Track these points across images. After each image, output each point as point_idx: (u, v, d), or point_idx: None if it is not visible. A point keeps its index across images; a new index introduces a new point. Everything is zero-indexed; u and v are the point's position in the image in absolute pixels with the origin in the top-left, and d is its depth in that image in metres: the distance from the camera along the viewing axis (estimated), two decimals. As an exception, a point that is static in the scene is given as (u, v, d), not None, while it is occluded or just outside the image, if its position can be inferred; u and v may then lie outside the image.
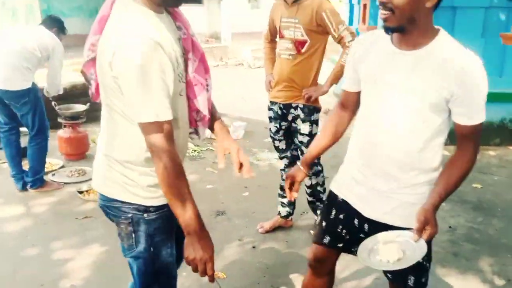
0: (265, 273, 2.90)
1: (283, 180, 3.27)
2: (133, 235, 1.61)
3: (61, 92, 4.17)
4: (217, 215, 3.65)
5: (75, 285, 2.77)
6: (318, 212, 2.75)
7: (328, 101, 6.41)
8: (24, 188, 4.02)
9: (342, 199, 1.82)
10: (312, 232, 2.89)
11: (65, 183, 4.24)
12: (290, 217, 3.44)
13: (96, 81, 1.57)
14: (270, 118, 3.21)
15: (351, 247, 1.83)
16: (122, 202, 1.59)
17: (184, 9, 1.63)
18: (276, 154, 3.43)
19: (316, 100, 3.03)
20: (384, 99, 1.63)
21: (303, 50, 2.92)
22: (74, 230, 3.40)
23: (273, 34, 3.20)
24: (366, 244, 1.60)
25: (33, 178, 4.00)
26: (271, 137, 3.26)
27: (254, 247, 3.20)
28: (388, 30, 1.56)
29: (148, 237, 1.61)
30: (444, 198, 1.58)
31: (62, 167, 4.63)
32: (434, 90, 1.52)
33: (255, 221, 3.52)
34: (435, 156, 1.64)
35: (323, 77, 3.02)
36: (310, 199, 3.26)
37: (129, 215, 1.59)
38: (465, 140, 1.59)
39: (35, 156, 3.99)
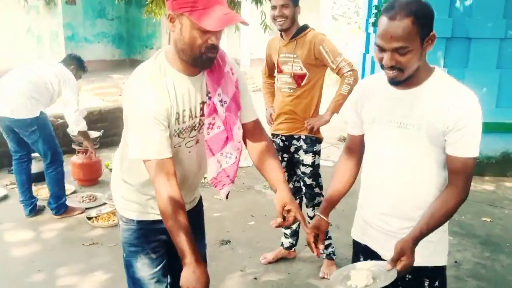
0: (264, 305, 2.90)
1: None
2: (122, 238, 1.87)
3: (84, 128, 4.20)
4: (222, 244, 3.67)
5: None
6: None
7: (341, 128, 6.45)
8: (31, 214, 4.10)
9: (365, 245, 1.85)
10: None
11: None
12: (293, 248, 3.44)
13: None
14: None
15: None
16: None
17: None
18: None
19: (318, 130, 3.08)
20: (386, 136, 1.67)
21: (302, 83, 2.99)
22: (80, 257, 3.46)
23: (271, 69, 3.27)
24: (341, 271, 1.63)
25: (57, 204, 4.08)
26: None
27: (255, 278, 3.20)
28: (396, 84, 1.59)
29: (124, 243, 1.85)
30: (426, 233, 1.57)
31: (74, 192, 4.72)
32: (431, 124, 1.56)
33: (259, 251, 3.52)
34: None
35: (323, 107, 3.07)
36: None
37: (118, 219, 1.88)
38: (456, 175, 1.59)
39: (54, 182, 4.06)
